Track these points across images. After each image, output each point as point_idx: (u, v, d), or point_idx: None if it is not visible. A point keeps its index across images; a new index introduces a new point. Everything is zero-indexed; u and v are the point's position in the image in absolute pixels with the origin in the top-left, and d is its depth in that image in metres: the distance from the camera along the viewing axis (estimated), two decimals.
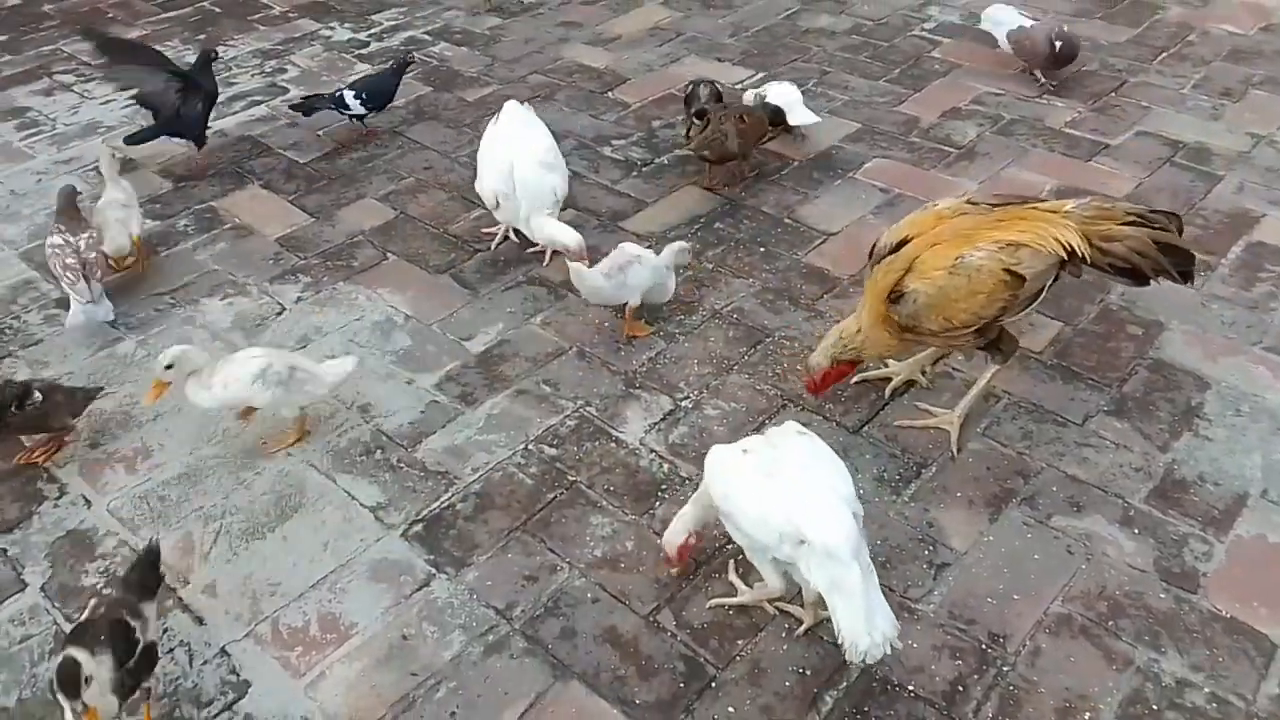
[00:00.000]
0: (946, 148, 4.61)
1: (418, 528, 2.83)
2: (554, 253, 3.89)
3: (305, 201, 4.33)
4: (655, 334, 3.51)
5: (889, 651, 2.15)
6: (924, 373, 3.30)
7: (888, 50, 5.53)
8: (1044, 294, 2.88)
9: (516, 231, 4.01)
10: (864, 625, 2.12)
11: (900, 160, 4.53)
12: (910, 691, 2.41)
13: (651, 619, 2.58)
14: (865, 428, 3.14)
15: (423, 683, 2.44)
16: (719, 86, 4.56)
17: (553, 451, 3.07)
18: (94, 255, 3.49)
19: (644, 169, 4.51)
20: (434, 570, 2.71)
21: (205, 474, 3.02)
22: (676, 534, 2.53)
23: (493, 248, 3.98)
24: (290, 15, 6.17)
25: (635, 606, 2.61)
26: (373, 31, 5.91)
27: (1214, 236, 3.95)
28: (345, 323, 3.61)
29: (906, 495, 2.91)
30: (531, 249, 3.95)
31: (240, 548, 2.79)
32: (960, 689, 2.41)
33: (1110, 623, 2.55)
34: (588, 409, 3.22)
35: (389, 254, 3.99)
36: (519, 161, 3.71)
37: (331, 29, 5.98)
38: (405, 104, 5.04)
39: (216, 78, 4.55)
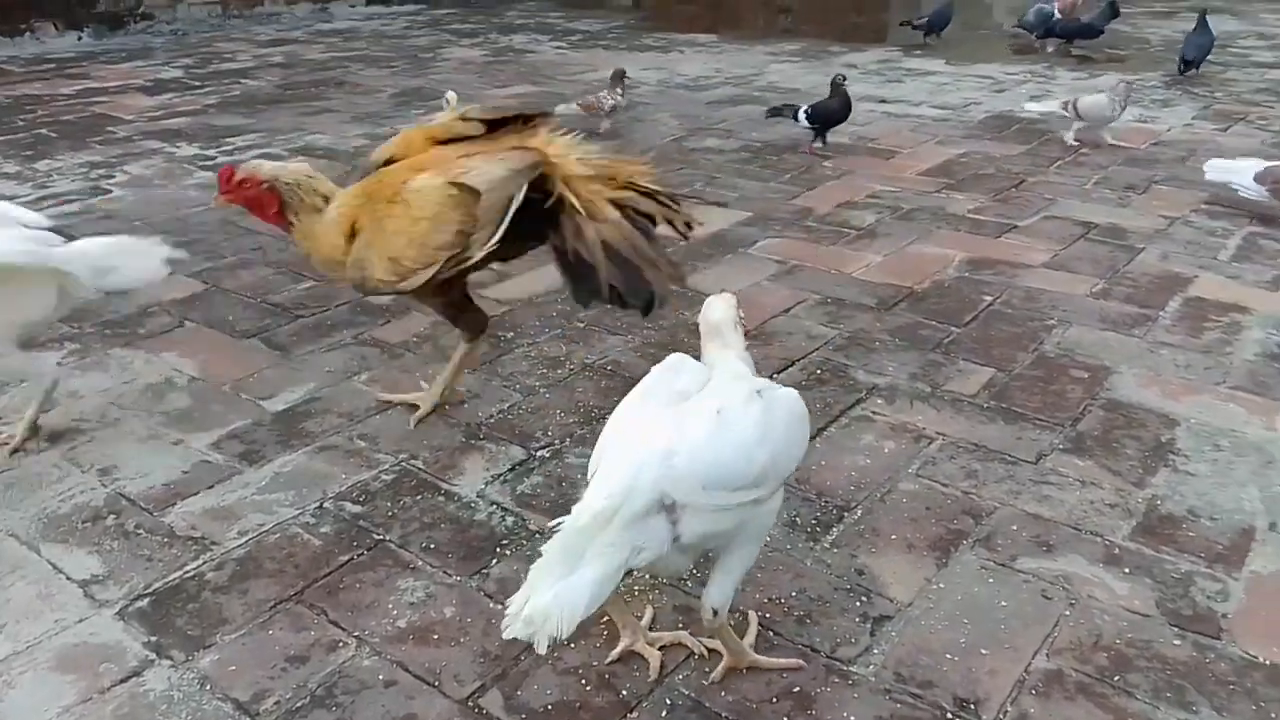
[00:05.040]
0: (845, 229, 4.20)
1: (142, 603, 1.99)
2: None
3: None
4: (512, 389, 2.82)
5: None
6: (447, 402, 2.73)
7: (778, 162, 5.25)
8: (510, 215, 2.25)
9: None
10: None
11: (796, 239, 4.08)
12: None
13: (471, 703, 1.75)
14: None
15: None
16: None
17: (356, 509, 2.29)
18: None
19: None
20: (154, 655, 1.86)
21: None
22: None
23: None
24: (134, 138, 5.67)
25: (449, 689, 1.79)
26: (223, 149, 5.43)
27: (1146, 294, 3.53)
28: (109, 386, 2.84)
29: (827, 541, 2.20)
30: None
31: None
32: None
33: (1116, 678, 1.82)
34: (412, 462, 2.47)
35: (187, 322, 3.26)
36: None
37: (177, 147, 5.47)
38: None
39: None
